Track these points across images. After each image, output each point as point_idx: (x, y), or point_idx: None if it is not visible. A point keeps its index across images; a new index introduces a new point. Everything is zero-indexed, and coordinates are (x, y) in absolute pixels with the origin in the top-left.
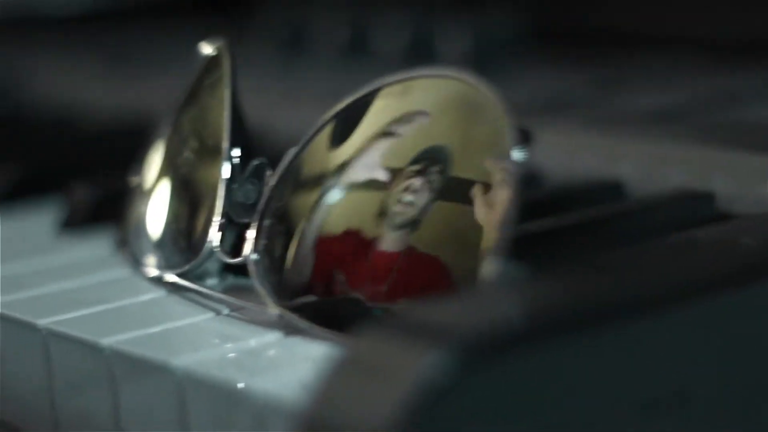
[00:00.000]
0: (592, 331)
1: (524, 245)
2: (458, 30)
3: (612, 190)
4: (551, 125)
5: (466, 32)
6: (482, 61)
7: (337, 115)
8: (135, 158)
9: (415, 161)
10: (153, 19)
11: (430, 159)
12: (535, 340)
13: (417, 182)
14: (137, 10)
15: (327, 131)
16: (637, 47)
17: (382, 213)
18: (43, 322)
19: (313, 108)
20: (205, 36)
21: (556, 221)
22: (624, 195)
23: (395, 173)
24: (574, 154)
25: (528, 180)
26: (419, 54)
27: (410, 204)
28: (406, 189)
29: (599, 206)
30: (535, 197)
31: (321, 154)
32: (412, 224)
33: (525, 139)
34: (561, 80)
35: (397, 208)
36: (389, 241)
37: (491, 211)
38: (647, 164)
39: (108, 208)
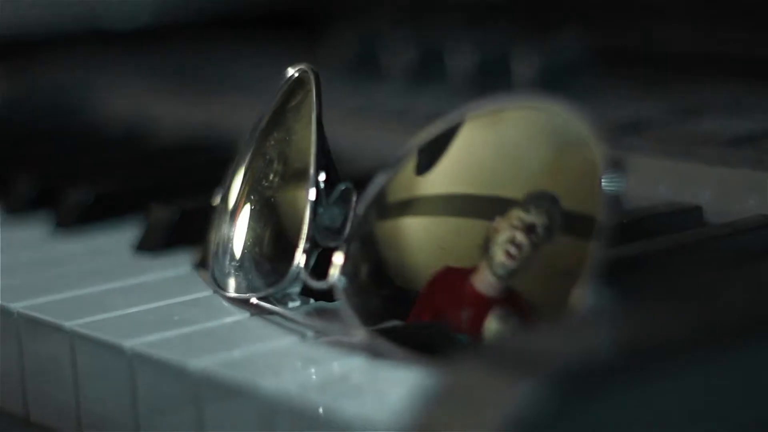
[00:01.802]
0: (686, 360)
1: (610, 270)
2: (530, 52)
3: (691, 215)
4: (628, 150)
5: (538, 55)
6: (554, 84)
7: (423, 143)
8: (210, 178)
9: (522, 205)
10: (224, 35)
11: (537, 206)
12: (628, 370)
13: (520, 237)
14: (208, 26)
15: (413, 158)
16: (713, 70)
17: (484, 249)
18: (129, 343)
19: (386, 129)
20: (279, 54)
21: (641, 246)
22: (703, 222)
23: (495, 206)
24: (652, 179)
25: (616, 211)
26: (490, 76)
27: (513, 257)
28: (511, 241)
29: (683, 232)
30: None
31: (408, 181)
32: (512, 274)
33: (617, 167)
34: (635, 106)
35: (501, 258)
36: (487, 284)
37: (588, 242)
38: (726, 189)
39: (186, 230)
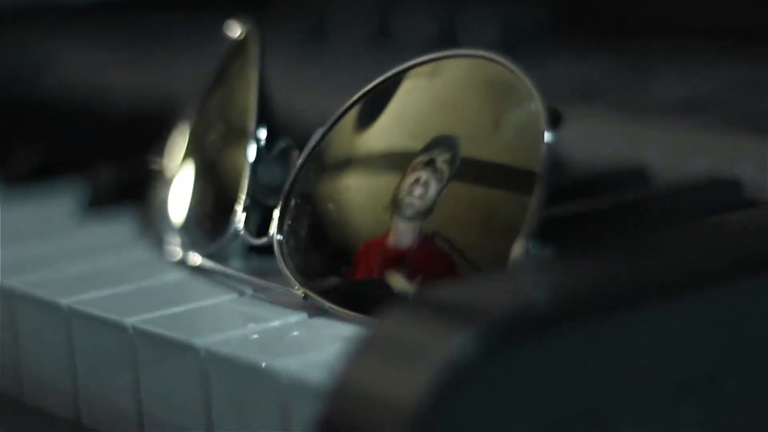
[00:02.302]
0: (620, 313)
1: (551, 229)
2: (483, 18)
3: (637, 176)
4: (577, 111)
5: (491, 20)
6: (508, 49)
7: (364, 96)
8: (159, 141)
9: (422, 151)
10: (175, 5)
11: (437, 147)
12: (563, 321)
13: (424, 175)
14: None
15: (354, 112)
16: (664, 35)
17: (394, 202)
18: (65, 301)
19: (337, 94)
20: (228, 17)
21: (582, 205)
22: (649, 181)
23: (407, 160)
24: (600, 139)
25: (555, 165)
26: (444, 42)
27: (419, 197)
28: (416, 181)
29: (625, 192)
30: (561, 183)
31: (348, 136)
32: (425, 214)
33: (556, 120)
34: (589, 69)
35: (407, 200)
36: (401, 235)
37: (521, 194)
38: (673, 151)
39: (132, 190)
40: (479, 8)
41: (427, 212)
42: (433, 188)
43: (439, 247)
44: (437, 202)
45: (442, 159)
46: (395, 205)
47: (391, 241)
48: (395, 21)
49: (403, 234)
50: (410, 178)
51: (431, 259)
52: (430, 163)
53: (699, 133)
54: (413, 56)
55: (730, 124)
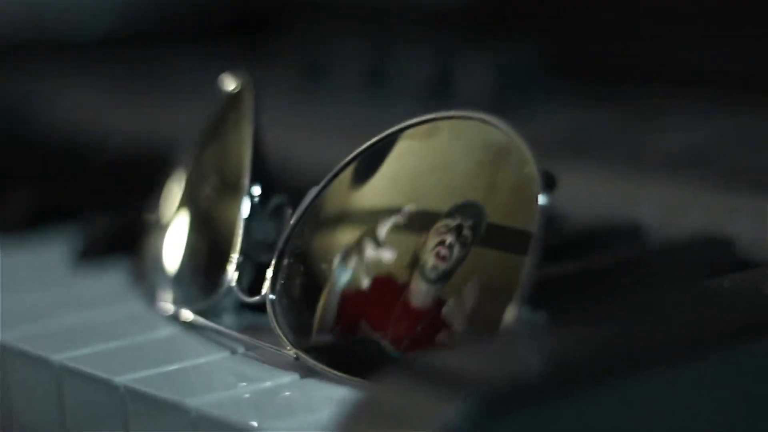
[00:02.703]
0: (616, 380)
1: (543, 291)
2: (479, 64)
3: (631, 233)
4: (570, 165)
5: (487, 66)
6: (503, 97)
7: (359, 155)
8: (153, 189)
9: (448, 214)
10: (173, 46)
11: (463, 213)
12: (556, 389)
13: (450, 238)
14: (157, 37)
15: (349, 171)
16: (659, 84)
17: (415, 263)
18: (57, 357)
19: (332, 141)
20: (225, 63)
21: (574, 266)
22: (643, 239)
23: (429, 222)
24: (593, 195)
25: (548, 227)
26: (439, 87)
27: (444, 258)
28: (441, 243)
29: (618, 250)
30: (553, 240)
31: (343, 194)
32: (445, 277)
33: (550, 182)
34: (582, 118)
35: (431, 262)
36: (421, 293)
37: (520, 257)
38: (667, 207)
39: (125, 241)
40: (473, 53)
41: (448, 275)
42: (456, 251)
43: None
44: (458, 267)
45: (468, 224)
46: (415, 264)
47: (410, 298)
48: (390, 64)
49: (420, 293)
50: (434, 240)
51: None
52: (455, 230)
53: (694, 189)
54: (407, 102)
55: (726, 180)
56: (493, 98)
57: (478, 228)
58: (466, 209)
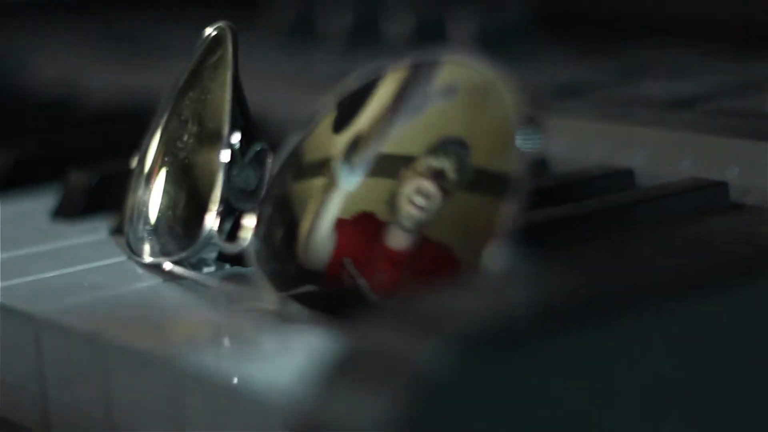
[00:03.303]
0: (601, 321)
1: (532, 234)
2: (467, 13)
3: (623, 178)
4: (561, 112)
5: (475, 16)
6: (492, 46)
7: (341, 100)
8: (134, 143)
9: (430, 152)
10: (157, 3)
11: (444, 153)
12: (541, 331)
13: (428, 185)
14: None
15: (331, 116)
16: (650, 33)
17: (392, 206)
18: (35, 310)
19: (318, 94)
20: (210, 20)
21: (565, 210)
22: (635, 183)
23: (406, 162)
24: (585, 142)
25: (537, 167)
26: (427, 38)
27: (421, 208)
28: (418, 190)
29: (610, 195)
30: (544, 185)
31: (325, 140)
32: (422, 225)
33: (533, 125)
34: (573, 67)
35: (408, 209)
36: (398, 238)
37: (501, 200)
38: (659, 152)
39: (106, 195)
40: (463, 4)
41: (427, 223)
42: (435, 199)
43: (435, 253)
44: (440, 213)
45: (451, 167)
46: (393, 207)
47: (388, 241)
48: (376, 16)
49: (397, 238)
50: (413, 185)
51: (425, 266)
52: (439, 175)
53: (686, 134)
54: (394, 54)
55: (717, 125)
56: (482, 49)
57: (462, 171)
58: (449, 146)
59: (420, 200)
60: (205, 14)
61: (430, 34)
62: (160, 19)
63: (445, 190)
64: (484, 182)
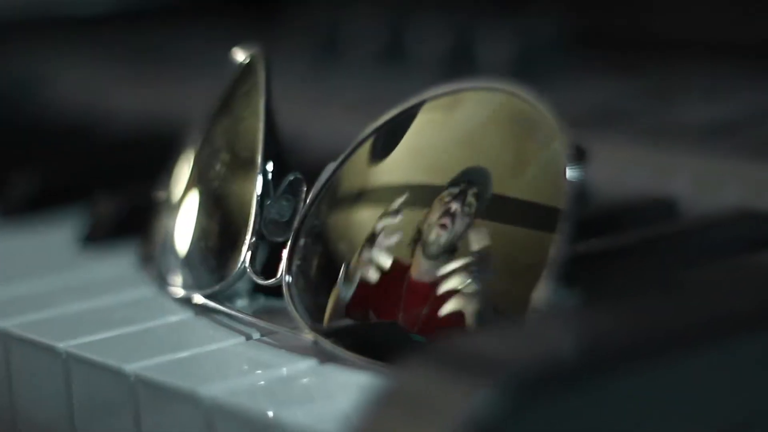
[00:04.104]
0: (651, 362)
1: (574, 268)
2: (500, 35)
3: (664, 208)
4: (599, 137)
5: (508, 38)
6: (525, 69)
7: (378, 129)
8: (162, 168)
9: (452, 183)
10: (182, 21)
11: (468, 181)
12: (590, 373)
13: (455, 206)
14: (165, 11)
15: (367, 146)
16: (689, 54)
17: (418, 238)
18: (63, 345)
19: (348, 116)
20: (236, 38)
21: (608, 242)
22: (677, 213)
23: (428, 196)
24: (623, 169)
25: (580, 199)
26: (459, 60)
27: (446, 229)
28: (445, 213)
29: (653, 226)
30: (585, 215)
31: (361, 170)
32: (449, 251)
33: (580, 156)
34: (609, 90)
35: (432, 236)
36: (424, 270)
37: (544, 233)
38: (701, 181)
39: (133, 222)
40: (495, 24)
41: (452, 249)
42: (460, 221)
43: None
44: (462, 239)
45: (471, 191)
46: (418, 240)
47: (414, 279)
48: (408, 37)
49: (424, 270)
50: (437, 212)
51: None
52: (458, 196)
53: (729, 161)
54: (427, 75)
55: (761, 151)
56: (515, 71)
57: (483, 194)
58: (470, 175)
59: (446, 221)
60: (231, 32)
61: (462, 55)
62: (186, 38)
63: (468, 214)
64: (533, 217)
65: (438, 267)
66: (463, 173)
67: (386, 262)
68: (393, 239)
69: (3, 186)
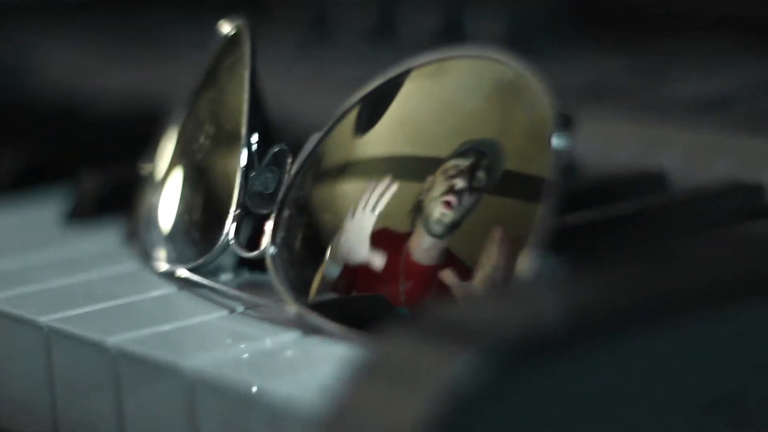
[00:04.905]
0: (637, 331)
1: (562, 239)
2: (491, 11)
3: (655, 180)
4: (590, 112)
5: (499, 14)
6: (516, 45)
7: (363, 99)
8: (147, 147)
9: (460, 154)
10: (168, 1)
11: (478, 152)
12: (575, 341)
13: (461, 183)
14: None
15: (353, 116)
16: (681, 29)
17: (418, 210)
18: (45, 319)
19: (338, 93)
20: (225, 17)
21: (597, 213)
22: (667, 186)
23: (433, 165)
24: (614, 142)
25: (566, 171)
26: (449, 37)
27: (452, 207)
28: (450, 190)
29: (643, 198)
30: (575, 188)
31: (346, 141)
32: (450, 229)
33: (567, 125)
34: (600, 65)
35: (439, 211)
36: (424, 250)
37: (531, 203)
38: (692, 154)
39: (118, 198)
40: (485, 1)
41: (454, 227)
42: (467, 198)
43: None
44: (469, 215)
45: (481, 165)
46: (419, 212)
47: (413, 252)
48: (398, 14)
49: (423, 248)
50: (442, 186)
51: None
52: (471, 171)
53: (720, 135)
54: (417, 52)
55: (753, 125)
56: (507, 46)
57: (494, 169)
58: (481, 147)
59: (452, 198)
60: (218, 11)
61: (452, 32)
62: (171, 17)
63: (477, 189)
64: (517, 185)
65: (440, 244)
66: (470, 145)
67: (378, 233)
68: (386, 211)
69: None
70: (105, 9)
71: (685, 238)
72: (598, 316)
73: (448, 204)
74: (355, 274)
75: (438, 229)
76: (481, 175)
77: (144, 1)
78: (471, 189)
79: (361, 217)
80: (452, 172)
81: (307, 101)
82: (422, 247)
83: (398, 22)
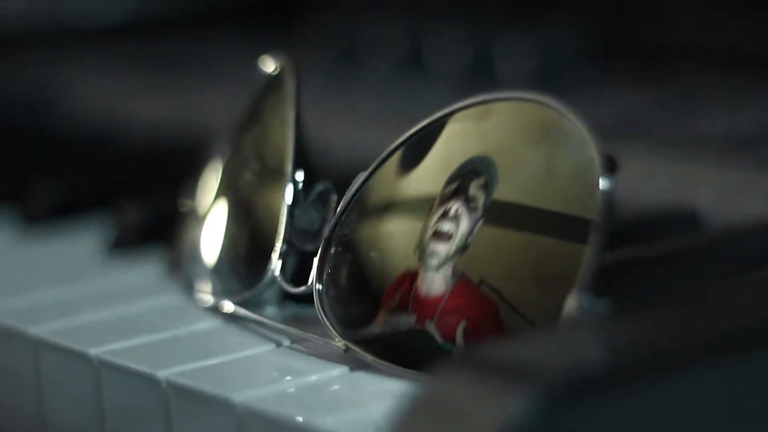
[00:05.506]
0: (682, 371)
1: (600, 278)
2: (520, 47)
3: (687, 219)
4: (620, 149)
5: (528, 49)
6: (545, 80)
7: (408, 139)
8: (183, 177)
9: (451, 179)
10: (201, 30)
11: (470, 170)
12: (623, 382)
13: (455, 206)
14: (185, 19)
15: (397, 156)
16: (710, 65)
17: (418, 249)
18: (94, 351)
19: (367, 127)
20: (255, 48)
21: (632, 253)
22: (700, 224)
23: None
24: (645, 179)
25: (612, 211)
26: (478, 71)
27: (446, 237)
28: (443, 216)
29: (681, 236)
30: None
31: (389, 181)
32: (459, 252)
33: (612, 167)
34: (629, 101)
35: (430, 247)
36: (428, 283)
37: (572, 243)
38: (724, 192)
39: (160, 229)
40: (514, 35)
41: (458, 252)
42: (465, 224)
43: (481, 294)
44: (471, 241)
45: (477, 185)
46: (419, 250)
47: (421, 290)
48: (427, 48)
49: (430, 282)
50: (435, 215)
51: (473, 306)
52: (465, 195)
53: (751, 172)
54: (446, 85)
55: None
56: (535, 82)
57: (490, 185)
58: (472, 165)
59: (446, 226)
60: (251, 41)
61: (481, 66)
62: (206, 46)
63: (474, 210)
64: (564, 226)
65: (440, 277)
66: (463, 165)
67: (414, 270)
68: (404, 248)
69: (26, 194)
70: (139, 38)
71: (724, 279)
72: (642, 358)
73: (440, 235)
74: (399, 308)
75: (433, 262)
76: (478, 195)
77: (179, 31)
78: (467, 210)
79: (402, 254)
80: (446, 196)
81: (335, 133)
82: (426, 281)
83: (427, 55)
